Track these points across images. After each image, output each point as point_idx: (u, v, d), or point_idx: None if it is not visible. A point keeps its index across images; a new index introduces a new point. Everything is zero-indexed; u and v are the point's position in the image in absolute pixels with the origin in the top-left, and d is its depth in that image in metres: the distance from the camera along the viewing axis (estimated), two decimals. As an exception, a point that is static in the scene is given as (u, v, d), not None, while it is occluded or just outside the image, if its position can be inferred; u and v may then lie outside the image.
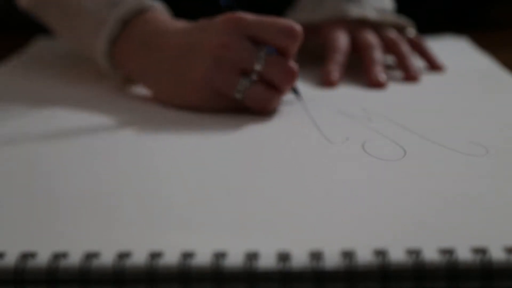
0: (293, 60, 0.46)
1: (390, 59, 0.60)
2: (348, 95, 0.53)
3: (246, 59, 0.45)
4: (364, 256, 0.28)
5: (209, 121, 0.46)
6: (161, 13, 0.52)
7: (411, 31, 0.62)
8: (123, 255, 0.28)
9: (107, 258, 0.28)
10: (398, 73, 0.58)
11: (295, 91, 0.50)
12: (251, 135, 0.43)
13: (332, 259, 0.28)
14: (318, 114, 0.47)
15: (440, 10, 0.82)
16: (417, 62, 0.59)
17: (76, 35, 0.55)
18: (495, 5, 0.89)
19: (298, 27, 0.45)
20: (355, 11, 0.60)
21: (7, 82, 0.57)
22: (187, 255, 0.28)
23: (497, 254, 0.28)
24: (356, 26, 0.60)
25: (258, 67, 0.44)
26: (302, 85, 0.55)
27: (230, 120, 0.46)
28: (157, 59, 0.48)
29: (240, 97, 0.45)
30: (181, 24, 0.50)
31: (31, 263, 0.27)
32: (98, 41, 0.51)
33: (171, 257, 0.28)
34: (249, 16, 0.46)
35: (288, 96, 0.50)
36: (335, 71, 0.56)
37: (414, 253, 0.28)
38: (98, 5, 0.52)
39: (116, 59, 0.52)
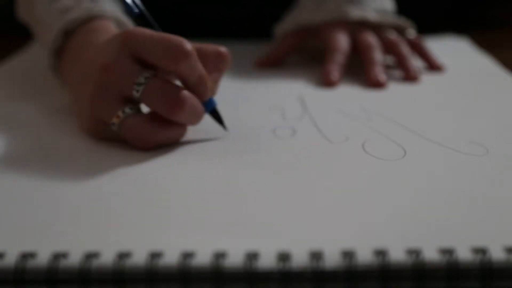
0: (198, 87, 0.39)
1: (390, 59, 0.60)
2: (348, 95, 0.53)
3: (125, 84, 0.38)
4: (364, 256, 0.28)
5: (209, 120, 0.46)
6: (107, 23, 0.47)
7: (411, 32, 0.62)
8: (123, 255, 0.28)
9: (107, 258, 0.28)
10: (398, 73, 0.58)
11: (217, 119, 0.43)
12: (251, 135, 0.43)
13: (332, 259, 0.28)
14: (318, 114, 0.47)
15: (440, 10, 0.82)
16: (417, 63, 0.59)
17: (42, 47, 0.52)
18: (495, 5, 0.89)
19: (186, 46, 0.38)
20: (355, 13, 0.60)
21: (7, 82, 0.57)
22: (187, 255, 0.28)
23: (497, 254, 0.28)
24: (356, 27, 0.60)
25: (136, 93, 0.38)
26: (302, 85, 0.55)
27: (231, 120, 0.46)
28: (74, 76, 0.44)
29: (116, 129, 0.39)
30: (107, 36, 0.43)
31: (31, 263, 0.27)
32: (46, 53, 0.48)
33: (171, 257, 0.28)
34: (141, 33, 0.39)
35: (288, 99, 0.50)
36: (335, 71, 0.56)
37: (414, 253, 0.28)
38: (53, 13, 0.48)
39: (60, 72, 0.48)
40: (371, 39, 0.59)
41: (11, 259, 0.28)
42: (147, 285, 0.27)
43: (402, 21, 0.62)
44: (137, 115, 0.39)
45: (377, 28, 0.60)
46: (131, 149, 0.40)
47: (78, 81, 0.42)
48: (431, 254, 0.28)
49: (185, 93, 0.38)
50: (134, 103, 0.39)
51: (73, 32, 0.47)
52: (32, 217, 0.32)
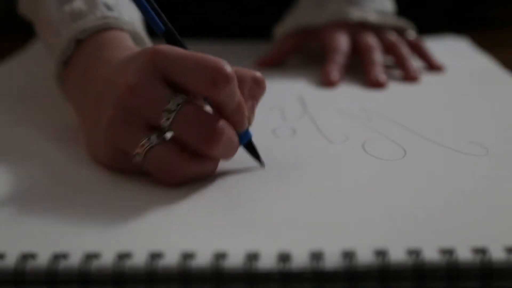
0: (234, 116, 0.35)
1: (390, 60, 0.60)
2: (348, 95, 0.53)
3: (153, 110, 0.33)
4: (364, 256, 0.28)
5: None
6: (124, 35, 0.42)
7: (411, 33, 0.62)
8: (123, 256, 0.28)
9: (107, 258, 0.28)
10: (398, 73, 0.58)
11: (253, 153, 0.38)
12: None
13: (332, 259, 0.28)
14: (318, 114, 0.47)
15: (440, 10, 0.82)
16: (417, 63, 0.59)
17: (48, 52, 0.46)
18: (495, 5, 0.89)
19: (227, 70, 0.33)
20: (355, 14, 0.60)
21: (7, 82, 0.57)
22: (187, 256, 0.28)
23: (497, 254, 0.28)
24: (356, 28, 0.60)
25: (165, 121, 0.33)
26: (302, 85, 0.55)
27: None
28: (84, 96, 0.39)
29: (139, 160, 0.34)
30: (126, 52, 0.38)
31: (31, 264, 0.27)
32: (51, 61, 0.44)
33: (171, 258, 0.28)
34: (173, 51, 0.34)
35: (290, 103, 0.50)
36: (335, 71, 0.56)
37: (414, 253, 0.28)
38: (64, 17, 0.43)
39: (65, 84, 0.43)
40: (371, 40, 0.59)
41: (11, 260, 0.28)
42: (147, 286, 0.27)
43: (402, 22, 0.62)
44: (165, 145, 0.34)
45: (377, 29, 0.61)
46: (150, 182, 0.35)
47: (91, 101, 0.37)
48: (431, 254, 0.28)
49: (223, 123, 0.33)
50: (160, 131, 0.34)
51: (84, 42, 0.42)
52: (33, 218, 0.32)
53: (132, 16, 0.44)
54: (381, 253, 0.28)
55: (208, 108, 0.35)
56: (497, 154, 0.39)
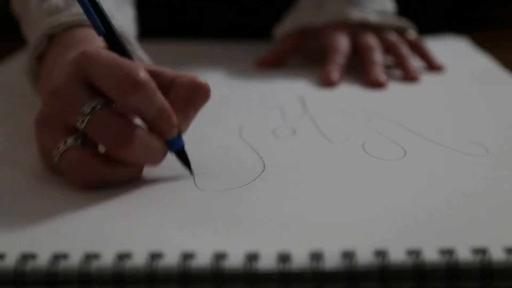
0: (156, 122, 0.34)
1: (390, 60, 0.60)
2: (348, 95, 0.53)
3: (70, 111, 0.33)
4: (364, 256, 0.28)
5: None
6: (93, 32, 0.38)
7: (412, 33, 0.62)
8: (123, 256, 0.28)
9: (107, 259, 0.28)
10: (398, 73, 0.58)
11: (184, 161, 0.37)
12: (251, 135, 0.43)
13: (332, 260, 0.28)
14: (318, 114, 0.47)
15: (440, 10, 0.82)
16: (417, 63, 0.59)
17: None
18: (495, 5, 0.89)
19: (138, 77, 0.32)
20: (356, 14, 0.60)
21: (7, 81, 0.57)
22: (187, 256, 0.28)
23: (497, 254, 0.28)
24: (357, 29, 0.60)
25: (80, 124, 0.33)
26: (302, 85, 0.55)
27: (231, 119, 0.46)
28: (43, 91, 0.39)
29: (55, 161, 0.34)
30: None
31: (31, 264, 0.27)
32: (25, 56, 0.44)
33: (171, 258, 0.28)
34: (97, 54, 0.33)
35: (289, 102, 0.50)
36: (335, 71, 0.56)
37: (414, 253, 0.28)
38: (42, 13, 0.43)
39: (39, 79, 0.43)
40: (371, 40, 0.59)
41: (11, 260, 0.28)
42: (147, 286, 0.27)
43: (402, 22, 0.62)
44: (78, 148, 0.33)
45: (377, 29, 0.61)
46: None
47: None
48: (431, 254, 0.28)
49: (136, 129, 0.33)
50: (78, 133, 0.34)
51: (57, 37, 0.42)
52: (32, 218, 0.32)
53: (111, 15, 0.41)
54: (381, 253, 0.28)
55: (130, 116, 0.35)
56: (497, 154, 0.39)
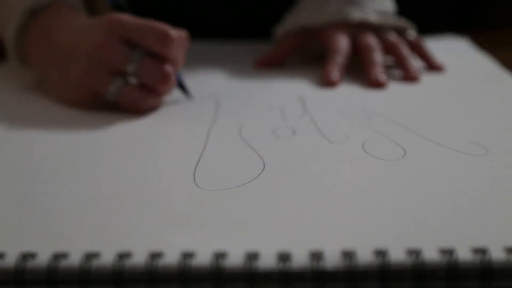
0: (173, 64, 0.47)
1: (390, 60, 0.60)
2: (348, 95, 0.53)
3: (119, 61, 0.45)
4: (364, 256, 0.28)
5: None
6: (72, 7, 0.53)
7: (412, 33, 0.62)
8: (123, 256, 0.28)
9: (107, 258, 0.28)
10: (398, 73, 0.58)
11: (183, 89, 0.51)
12: (251, 135, 0.43)
13: (332, 259, 0.28)
14: (318, 114, 0.47)
15: (440, 10, 0.82)
16: (417, 63, 0.59)
17: (2, 33, 0.55)
18: (495, 5, 0.89)
19: (172, 33, 0.46)
20: (356, 15, 0.60)
21: (7, 81, 0.57)
22: (187, 255, 0.28)
23: (497, 254, 0.28)
24: (356, 29, 0.60)
25: (130, 69, 0.45)
26: (302, 85, 0.55)
27: (230, 119, 0.46)
28: (50, 55, 0.49)
29: (112, 98, 0.46)
30: (80, 21, 0.50)
31: (31, 263, 0.27)
32: (7, 31, 0.52)
33: (171, 257, 0.28)
34: (127, 19, 0.46)
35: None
36: (335, 71, 0.56)
37: (414, 253, 0.28)
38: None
39: (24, 50, 0.52)
40: (371, 40, 0.59)
41: (11, 259, 0.28)
42: (147, 286, 0.27)
43: (402, 22, 0.62)
44: (131, 85, 0.46)
45: (377, 29, 0.61)
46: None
47: (58, 58, 0.48)
48: (431, 254, 0.28)
49: (170, 68, 0.46)
50: (124, 75, 0.46)
51: (40, 13, 0.51)
52: (32, 217, 0.32)
53: None
54: (381, 253, 0.28)
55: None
56: (497, 154, 0.39)
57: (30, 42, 0.52)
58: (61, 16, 0.51)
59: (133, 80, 0.46)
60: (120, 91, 0.46)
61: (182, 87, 0.51)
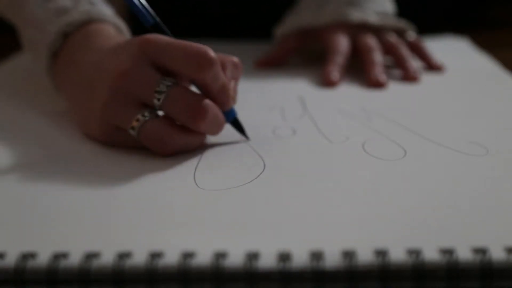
0: (220, 95, 0.39)
1: (390, 60, 0.60)
2: (348, 95, 0.53)
3: (145, 90, 0.38)
4: (364, 256, 0.28)
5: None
6: (107, 27, 0.46)
7: (411, 34, 0.62)
8: (123, 255, 0.28)
9: (107, 258, 0.28)
10: (398, 73, 0.58)
11: (238, 128, 0.42)
12: (251, 135, 0.43)
13: (332, 259, 0.28)
14: (318, 114, 0.47)
15: (440, 10, 0.82)
16: (416, 64, 0.59)
17: (30, 48, 0.50)
18: (495, 5, 0.89)
19: (211, 55, 0.37)
20: (356, 15, 0.60)
21: (7, 81, 0.57)
22: (187, 255, 0.28)
23: (497, 254, 0.28)
24: (356, 29, 0.60)
25: (157, 101, 0.37)
26: (302, 85, 0.55)
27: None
28: (74, 81, 0.43)
29: (134, 134, 0.38)
30: (112, 41, 0.43)
31: (32, 263, 0.27)
32: (40, 55, 0.47)
33: (171, 257, 0.28)
34: (161, 39, 0.38)
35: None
36: (335, 71, 0.56)
37: (414, 253, 0.28)
38: (49, 13, 0.47)
39: (55, 74, 0.47)
40: (371, 41, 0.59)
41: (11, 259, 0.28)
42: (147, 285, 0.27)
43: (402, 24, 0.62)
44: (157, 120, 0.38)
45: (377, 30, 0.61)
46: (139, 155, 0.39)
47: (83, 85, 0.41)
48: (431, 254, 0.28)
49: (208, 102, 0.38)
50: (151, 108, 0.38)
51: (71, 35, 0.45)
52: (32, 217, 0.32)
53: (112, 10, 0.49)
54: (381, 253, 0.28)
55: (195, 90, 0.39)
56: (497, 154, 0.39)
57: (59, 67, 0.46)
58: (96, 35, 0.44)
59: (160, 114, 0.39)
60: (143, 127, 0.38)
61: (237, 125, 0.42)
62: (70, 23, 0.45)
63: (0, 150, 0.41)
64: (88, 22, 0.46)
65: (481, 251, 0.28)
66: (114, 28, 0.47)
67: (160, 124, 0.38)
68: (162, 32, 0.40)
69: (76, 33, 0.45)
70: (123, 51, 0.39)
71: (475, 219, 0.31)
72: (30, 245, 0.29)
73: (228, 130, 0.43)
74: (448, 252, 0.28)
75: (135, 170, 0.37)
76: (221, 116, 0.39)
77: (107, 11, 0.48)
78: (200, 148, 0.40)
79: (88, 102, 0.40)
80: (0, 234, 0.30)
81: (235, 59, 0.42)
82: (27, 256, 0.28)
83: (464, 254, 0.28)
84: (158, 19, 0.41)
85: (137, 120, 0.38)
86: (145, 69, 0.38)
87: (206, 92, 0.39)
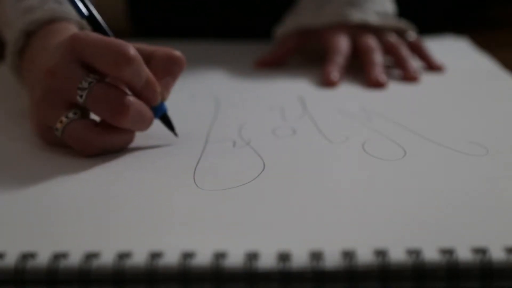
0: (147, 91, 0.39)
1: (390, 60, 0.60)
2: (348, 95, 0.53)
3: (69, 89, 0.37)
4: (364, 256, 0.28)
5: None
6: (70, 25, 0.45)
7: (412, 35, 0.62)
8: (123, 255, 0.28)
9: (107, 258, 0.28)
10: (398, 73, 0.58)
11: (168, 124, 0.42)
12: (251, 135, 0.43)
13: (332, 259, 0.28)
14: (318, 114, 0.47)
15: (440, 10, 0.82)
16: (416, 64, 0.59)
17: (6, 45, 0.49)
18: (495, 5, 0.89)
19: (129, 52, 0.37)
20: (356, 16, 0.60)
21: (7, 80, 0.57)
22: (187, 255, 0.28)
23: (497, 254, 0.28)
24: (357, 30, 0.60)
25: (79, 99, 0.37)
26: (302, 85, 0.55)
27: (231, 119, 0.46)
28: (31, 78, 0.43)
29: (58, 134, 0.38)
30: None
31: (31, 263, 0.27)
32: (6, 53, 0.47)
33: (171, 257, 0.28)
34: (87, 37, 0.38)
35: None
36: (335, 71, 0.56)
37: (414, 253, 0.28)
38: (17, 12, 0.47)
39: (21, 72, 0.46)
40: (371, 41, 0.59)
41: (11, 259, 0.28)
42: (147, 285, 0.27)
43: (402, 24, 0.62)
44: (81, 120, 0.38)
45: (377, 31, 0.61)
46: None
47: (32, 85, 0.41)
48: (431, 254, 0.28)
49: (130, 98, 0.37)
50: (81, 108, 0.38)
51: (35, 33, 0.45)
52: (32, 217, 0.32)
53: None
54: (381, 253, 0.28)
55: (124, 87, 0.39)
56: (497, 154, 0.39)
57: (24, 65, 0.46)
58: (55, 34, 0.44)
59: (84, 113, 0.39)
60: (66, 126, 0.37)
61: (166, 121, 0.42)
62: (33, 21, 0.45)
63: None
64: (52, 21, 0.45)
65: (481, 251, 0.28)
66: (78, 27, 0.46)
67: (83, 124, 0.38)
68: (97, 25, 0.41)
69: (39, 32, 0.45)
70: (57, 49, 0.39)
71: (475, 219, 0.31)
72: (30, 245, 0.29)
73: (228, 131, 0.43)
74: (448, 252, 0.28)
75: (135, 170, 0.37)
76: (147, 112, 0.39)
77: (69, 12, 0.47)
78: (196, 148, 0.40)
79: (31, 101, 0.41)
80: (0, 234, 0.30)
81: (174, 52, 0.41)
82: (27, 256, 0.28)
83: (464, 254, 0.28)
84: (94, 11, 0.41)
85: (61, 121, 0.38)
86: (70, 66, 0.37)
87: (131, 89, 0.39)
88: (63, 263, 0.27)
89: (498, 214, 0.32)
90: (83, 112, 0.38)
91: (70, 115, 0.38)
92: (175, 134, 0.42)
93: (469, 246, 0.28)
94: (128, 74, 0.37)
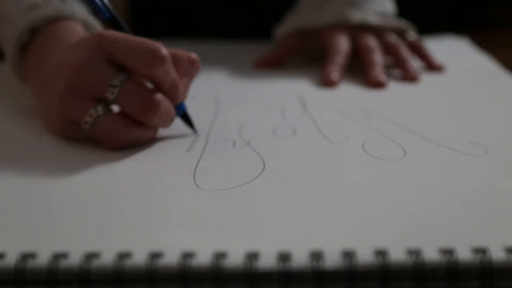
0: (172, 90, 0.40)
1: (390, 60, 0.60)
2: (348, 95, 0.53)
3: (99, 85, 0.39)
4: (364, 256, 0.28)
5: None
6: (76, 24, 0.46)
7: (412, 35, 0.62)
8: (123, 255, 0.28)
9: (107, 258, 0.28)
10: (398, 73, 0.58)
11: (188, 122, 0.43)
12: (251, 135, 0.43)
13: (332, 259, 0.28)
14: (318, 114, 0.47)
15: (440, 10, 0.82)
16: (416, 64, 0.59)
17: (4, 45, 0.49)
18: (495, 5, 0.89)
19: (163, 52, 0.38)
20: (356, 16, 0.60)
21: (7, 80, 0.57)
22: (187, 255, 0.28)
23: (497, 254, 0.28)
24: (357, 30, 0.60)
25: (110, 95, 0.38)
26: (302, 85, 0.55)
27: (231, 119, 0.46)
28: (40, 77, 0.43)
29: (88, 128, 0.39)
30: (76, 38, 0.43)
31: (31, 263, 0.27)
32: (8, 48, 0.47)
33: (171, 257, 0.28)
34: (116, 35, 0.39)
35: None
36: (335, 71, 0.56)
37: (414, 253, 0.28)
38: (20, 9, 0.47)
39: (23, 69, 0.47)
40: (371, 41, 0.59)
41: (11, 259, 0.28)
42: (147, 285, 0.27)
43: (402, 24, 0.62)
44: (110, 114, 0.39)
45: (377, 31, 0.61)
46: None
47: (45, 81, 0.42)
48: (431, 254, 0.28)
49: (160, 96, 0.39)
50: (105, 102, 0.39)
51: (40, 31, 0.46)
52: (32, 217, 0.32)
53: (83, 9, 0.49)
54: (381, 253, 0.28)
55: (148, 84, 0.40)
56: (497, 154, 0.39)
57: (27, 62, 0.46)
58: (63, 32, 0.45)
59: (114, 109, 0.40)
60: (97, 120, 0.39)
61: (186, 119, 0.43)
62: (39, 18, 0.45)
63: None
64: (57, 19, 0.46)
65: (481, 251, 0.28)
66: (83, 26, 0.47)
67: (112, 118, 0.39)
68: (119, 26, 0.42)
69: (44, 30, 0.45)
70: (81, 47, 0.39)
71: (475, 219, 0.31)
72: (30, 245, 0.29)
73: (228, 131, 0.43)
74: (448, 252, 0.28)
75: (135, 170, 0.37)
76: (171, 110, 0.40)
77: (78, 9, 0.48)
78: (196, 148, 0.41)
79: (48, 97, 0.41)
80: (0, 234, 0.30)
81: (193, 55, 0.42)
82: (27, 256, 0.28)
83: (464, 254, 0.28)
84: (115, 13, 0.42)
85: (90, 115, 0.39)
86: (100, 64, 0.39)
87: (158, 87, 0.40)
88: (63, 263, 0.27)
89: (498, 214, 0.32)
90: (109, 107, 0.40)
91: (100, 108, 0.39)
92: (195, 131, 0.43)
93: (469, 246, 0.28)
94: (160, 73, 0.39)
